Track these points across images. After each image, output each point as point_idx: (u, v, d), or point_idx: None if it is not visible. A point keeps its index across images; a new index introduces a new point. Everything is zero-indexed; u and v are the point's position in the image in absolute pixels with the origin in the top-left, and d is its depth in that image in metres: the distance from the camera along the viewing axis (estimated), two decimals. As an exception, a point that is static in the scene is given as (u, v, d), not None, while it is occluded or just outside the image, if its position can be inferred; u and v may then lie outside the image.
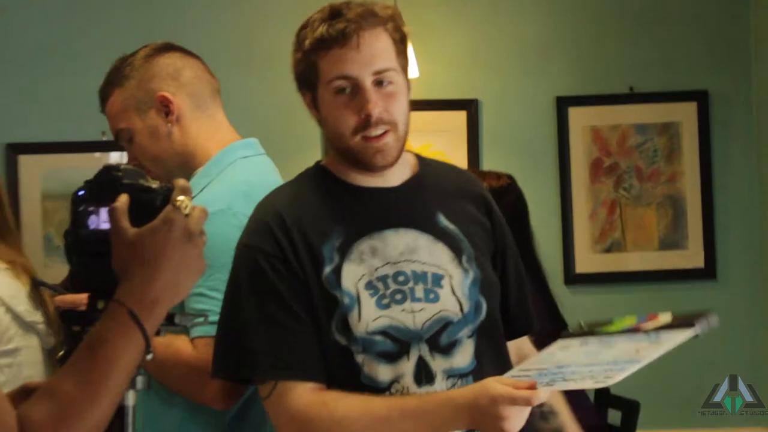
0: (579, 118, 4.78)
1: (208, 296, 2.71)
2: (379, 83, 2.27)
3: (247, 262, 2.39)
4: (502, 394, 2.01)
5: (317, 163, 2.47)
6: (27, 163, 4.69)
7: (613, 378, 1.95)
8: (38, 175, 4.69)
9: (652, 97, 4.77)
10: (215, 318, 2.65)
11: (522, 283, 2.55)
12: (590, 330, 2.11)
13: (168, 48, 3.02)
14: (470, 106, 4.78)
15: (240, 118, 3.14)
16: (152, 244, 1.76)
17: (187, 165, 2.92)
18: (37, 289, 3.24)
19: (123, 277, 1.75)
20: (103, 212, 1.87)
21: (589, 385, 2.05)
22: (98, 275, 1.85)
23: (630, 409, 4.18)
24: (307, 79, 2.36)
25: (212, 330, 2.67)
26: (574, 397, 4.22)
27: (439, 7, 4.74)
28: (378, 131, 2.26)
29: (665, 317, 1.99)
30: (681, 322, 1.96)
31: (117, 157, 4.58)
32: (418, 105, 4.61)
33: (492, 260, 2.46)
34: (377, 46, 2.29)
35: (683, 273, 4.74)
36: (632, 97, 4.78)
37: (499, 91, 4.82)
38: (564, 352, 2.10)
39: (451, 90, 4.81)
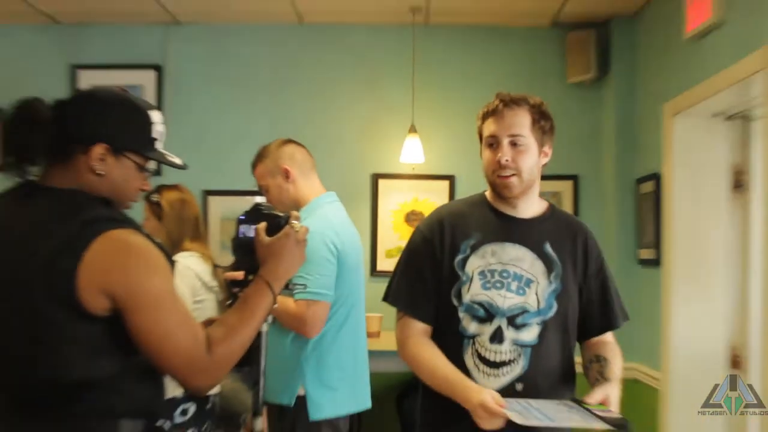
0: (508, 187, 4.77)
1: (305, 277, 2.80)
2: (513, 143, 2.20)
3: (414, 239, 2.37)
4: (485, 403, 2.01)
5: (483, 192, 2.40)
6: (214, 201, 4.75)
7: (557, 422, 1.95)
8: (219, 207, 4.75)
9: (548, 177, 4.51)
10: (309, 289, 2.81)
11: (606, 295, 2.35)
12: (578, 401, 2.10)
13: (289, 141, 3.13)
14: (451, 178, 4.77)
15: (325, 177, 3.19)
16: (278, 247, 1.92)
17: (296, 205, 3.00)
18: (215, 268, 3.35)
19: (262, 264, 1.91)
20: (253, 229, 2.01)
21: (540, 423, 1.97)
22: (249, 262, 2.01)
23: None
24: (479, 137, 2.33)
25: (307, 296, 2.83)
26: None
27: (438, 121, 4.73)
28: (506, 173, 2.20)
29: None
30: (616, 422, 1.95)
31: (261, 199, 4.65)
32: (424, 177, 4.71)
33: (582, 279, 2.31)
34: (516, 119, 2.23)
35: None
36: (538, 177, 4.77)
37: (466, 171, 4.75)
38: (551, 404, 2.10)
39: (442, 169, 4.78)
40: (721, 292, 3.78)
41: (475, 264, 2.26)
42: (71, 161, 1.70)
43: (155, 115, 1.80)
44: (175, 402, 3.15)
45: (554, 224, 2.36)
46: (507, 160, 2.20)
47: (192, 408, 3.16)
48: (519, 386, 2.21)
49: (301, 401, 2.88)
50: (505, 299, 2.22)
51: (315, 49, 4.79)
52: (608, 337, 2.38)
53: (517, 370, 2.21)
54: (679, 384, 3.76)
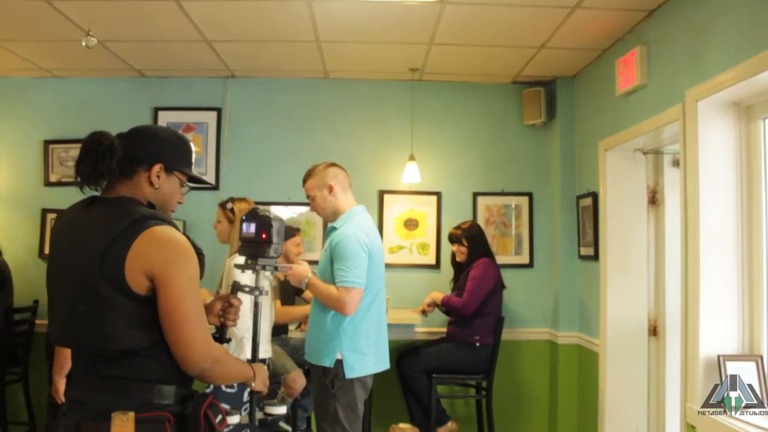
0: (482, 201, 4.70)
1: (345, 269, 2.76)
2: None
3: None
4: None
5: None
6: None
7: None
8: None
9: (496, 193, 4.66)
10: (348, 278, 2.77)
11: None
12: None
13: (333, 164, 3.05)
14: (438, 194, 4.71)
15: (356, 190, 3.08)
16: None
17: (336, 214, 2.95)
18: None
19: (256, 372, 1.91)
20: (252, 225, 2.08)
21: None
22: (249, 251, 2.10)
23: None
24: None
25: (346, 284, 2.79)
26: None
27: (431, 151, 4.65)
28: None
29: None
30: None
31: (278, 209, 4.58)
32: (418, 193, 4.67)
33: None
34: None
35: (521, 265, 4.64)
36: (502, 193, 4.69)
37: (451, 188, 4.71)
38: None
39: (432, 187, 4.69)
40: (642, 279, 3.80)
41: None
42: (135, 177, 1.67)
43: (192, 146, 1.81)
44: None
45: None
46: None
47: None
48: None
49: (339, 363, 2.85)
50: None
51: (337, 97, 4.74)
52: None
53: None
54: (612, 348, 3.79)
